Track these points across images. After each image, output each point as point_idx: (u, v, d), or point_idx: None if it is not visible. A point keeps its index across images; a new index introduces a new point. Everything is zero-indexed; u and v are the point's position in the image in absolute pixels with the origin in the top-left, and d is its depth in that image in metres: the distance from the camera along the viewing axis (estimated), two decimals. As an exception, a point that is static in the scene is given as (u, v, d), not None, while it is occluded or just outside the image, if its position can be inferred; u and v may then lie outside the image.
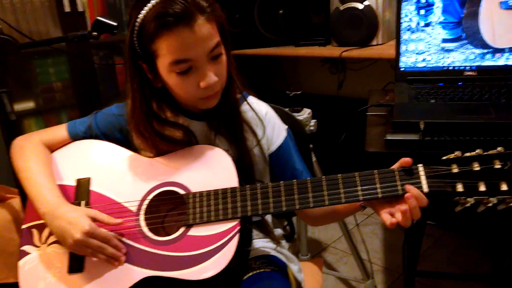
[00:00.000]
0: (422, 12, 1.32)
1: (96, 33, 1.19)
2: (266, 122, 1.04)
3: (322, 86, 2.60)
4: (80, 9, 2.08)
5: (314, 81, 2.66)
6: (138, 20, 0.85)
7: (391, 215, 0.82)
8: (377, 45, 2.00)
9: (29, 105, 2.09)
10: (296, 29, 2.27)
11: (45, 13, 2.05)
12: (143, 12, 0.84)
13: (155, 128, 0.95)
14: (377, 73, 2.22)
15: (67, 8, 2.04)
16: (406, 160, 0.84)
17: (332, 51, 2.04)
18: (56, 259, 0.94)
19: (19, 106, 2.05)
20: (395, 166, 0.86)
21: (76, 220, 0.88)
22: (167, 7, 0.82)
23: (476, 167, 0.81)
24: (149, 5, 0.84)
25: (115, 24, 1.19)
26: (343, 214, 0.99)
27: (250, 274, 1.01)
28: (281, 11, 2.28)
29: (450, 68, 1.33)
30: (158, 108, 0.97)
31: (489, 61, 1.30)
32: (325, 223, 1.09)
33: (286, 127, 1.08)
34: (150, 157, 0.99)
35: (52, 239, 0.95)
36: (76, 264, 0.93)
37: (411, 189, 0.81)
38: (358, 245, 2.00)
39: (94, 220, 0.90)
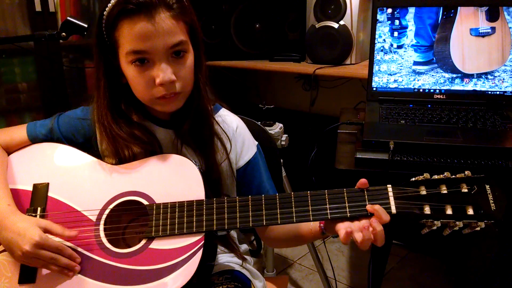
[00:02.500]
0: (396, 34, 1.34)
1: (65, 33, 1.15)
2: (236, 136, 1.02)
3: (295, 101, 2.61)
4: (51, 9, 2.01)
5: (287, 96, 2.67)
6: (107, 8, 0.86)
7: (349, 233, 0.80)
8: (350, 64, 2.02)
9: (-10, 104, 2.00)
10: (271, 44, 2.28)
11: (14, 12, 1.98)
12: (112, 1, 0.85)
13: (120, 123, 0.93)
14: (349, 92, 2.24)
15: (38, 8, 1.98)
16: (362, 182, 0.84)
17: (306, 67, 2.05)
18: (7, 268, 0.88)
19: (-20, 105, 1.96)
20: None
21: (25, 231, 0.83)
22: None
23: (444, 190, 0.81)
24: None
25: (85, 25, 1.16)
26: (306, 239, 0.96)
27: (213, 290, 0.98)
28: (257, 25, 2.29)
29: (421, 90, 1.36)
30: (126, 109, 0.96)
31: (458, 86, 1.32)
32: (285, 246, 1.06)
33: (256, 143, 1.06)
34: (113, 164, 0.95)
35: (3, 247, 0.90)
36: (27, 275, 0.87)
37: (378, 209, 0.80)
38: (324, 262, 2.00)
39: (46, 231, 0.85)
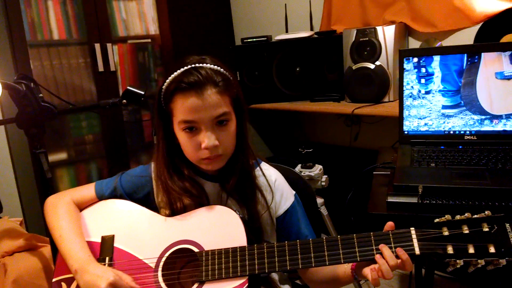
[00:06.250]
0: (423, 81, 1.42)
1: (125, 101, 1.34)
2: (275, 188, 1.14)
3: (338, 137, 2.69)
4: (112, 69, 2.28)
5: (330, 133, 2.76)
6: (166, 83, 1.04)
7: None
8: (388, 101, 2.10)
9: (62, 156, 2.26)
10: (311, 86, 2.39)
11: (81, 72, 2.26)
12: (170, 78, 1.03)
13: (174, 177, 1.09)
14: (389, 127, 2.30)
15: (101, 68, 2.24)
16: (389, 225, 0.94)
17: (345, 107, 2.14)
18: None
19: (53, 157, 2.22)
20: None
21: (103, 273, 0.98)
22: (184, 76, 1.01)
23: (466, 230, 0.88)
24: (175, 73, 1.02)
25: (142, 93, 1.34)
26: (343, 282, 1.04)
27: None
28: (297, 69, 2.42)
29: (451, 132, 1.42)
30: (179, 165, 1.11)
31: (487, 127, 1.37)
32: None
33: (294, 192, 1.18)
34: (167, 214, 1.10)
35: (82, 289, 1.05)
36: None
37: (402, 254, 0.89)
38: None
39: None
